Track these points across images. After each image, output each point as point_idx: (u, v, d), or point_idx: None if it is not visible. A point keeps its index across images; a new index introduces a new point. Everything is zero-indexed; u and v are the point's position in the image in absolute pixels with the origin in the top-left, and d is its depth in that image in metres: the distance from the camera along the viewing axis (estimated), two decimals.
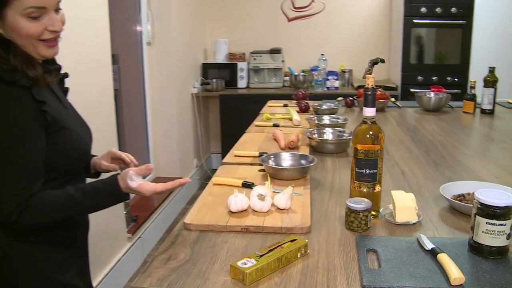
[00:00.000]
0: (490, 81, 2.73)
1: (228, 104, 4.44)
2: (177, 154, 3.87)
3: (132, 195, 1.22)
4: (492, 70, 2.75)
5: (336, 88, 4.56)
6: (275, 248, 1.01)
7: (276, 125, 2.40)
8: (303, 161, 1.61)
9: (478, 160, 1.81)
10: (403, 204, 1.21)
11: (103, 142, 2.29)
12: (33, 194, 1.07)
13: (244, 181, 1.46)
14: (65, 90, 1.30)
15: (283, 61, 4.65)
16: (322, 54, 4.64)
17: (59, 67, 1.27)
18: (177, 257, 1.04)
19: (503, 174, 1.63)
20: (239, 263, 0.94)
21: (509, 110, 2.88)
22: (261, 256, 0.98)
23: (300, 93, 3.15)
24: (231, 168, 1.66)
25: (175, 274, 0.97)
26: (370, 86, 1.20)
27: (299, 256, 1.03)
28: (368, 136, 1.21)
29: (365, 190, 1.23)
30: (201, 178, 4.55)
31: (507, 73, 3.53)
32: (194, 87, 4.30)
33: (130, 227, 2.84)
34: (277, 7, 4.76)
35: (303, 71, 4.71)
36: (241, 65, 4.57)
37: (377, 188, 1.24)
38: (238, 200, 1.23)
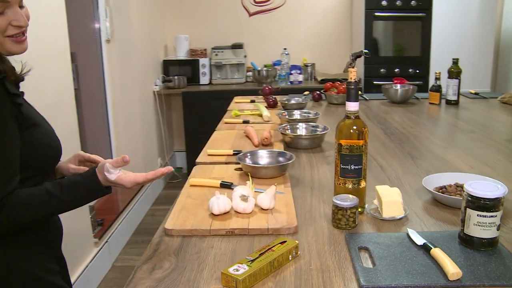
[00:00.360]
0: (454, 72, 2.78)
1: (191, 102, 4.35)
2: (141, 154, 3.75)
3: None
4: (456, 62, 2.80)
5: (300, 82, 4.55)
6: (265, 251, 0.97)
7: (246, 122, 2.35)
8: (281, 158, 1.57)
9: (451, 151, 1.82)
10: (390, 199, 1.19)
11: (65, 144, 2.15)
12: (10, 191, 0.99)
13: (223, 181, 1.40)
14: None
15: (245, 56, 4.59)
16: (285, 49, 4.62)
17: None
18: (162, 266, 0.97)
19: (477, 164, 1.65)
20: (231, 270, 0.89)
21: (472, 100, 2.95)
22: (252, 261, 0.93)
23: (267, 88, 3.10)
24: (206, 168, 1.60)
25: (163, 284, 0.90)
26: (353, 80, 1.17)
27: (290, 258, 0.99)
28: (352, 131, 1.18)
29: (350, 186, 1.20)
30: (165, 178, 4.44)
31: (467, 64, 3.61)
32: (156, 85, 4.19)
33: (97, 232, 2.73)
34: (237, 2, 4.70)
35: (265, 66, 4.67)
36: (203, 61, 4.49)
37: (362, 184, 1.21)
38: (220, 202, 1.17)
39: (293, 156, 1.52)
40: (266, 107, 2.68)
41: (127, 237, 3.25)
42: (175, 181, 4.53)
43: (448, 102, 2.83)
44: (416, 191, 1.39)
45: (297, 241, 1.01)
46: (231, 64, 4.56)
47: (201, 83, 4.50)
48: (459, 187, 1.33)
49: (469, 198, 1.02)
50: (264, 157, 1.59)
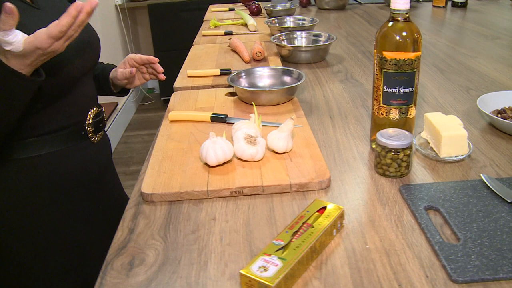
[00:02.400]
0: None
1: (159, 15, 3.83)
2: None
3: None
4: None
5: None
6: (299, 228, 0.64)
7: (229, 33, 1.93)
8: (286, 78, 1.20)
9: (484, 62, 1.49)
10: (452, 133, 0.86)
11: None
12: None
13: (214, 113, 1.04)
14: None
15: None
16: None
17: None
18: (144, 259, 0.63)
19: None
20: (255, 269, 0.56)
21: (480, 2, 2.58)
22: (284, 247, 0.60)
23: None
24: (188, 95, 1.23)
25: None
26: None
27: (334, 233, 0.67)
28: (401, 39, 0.82)
29: (396, 116, 0.87)
30: (137, 100, 4.03)
31: None
32: None
33: None
34: None
35: None
36: None
37: (412, 112, 0.88)
38: (218, 147, 0.82)
39: (303, 74, 1.15)
40: (249, 14, 2.26)
41: None
42: (147, 103, 4.12)
43: (455, 4, 2.46)
44: (466, 116, 1.07)
45: (342, 207, 0.69)
46: None
47: None
48: None
49: None
50: (264, 77, 1.22)
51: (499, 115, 1.01)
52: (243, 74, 1.21)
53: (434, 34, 1.89)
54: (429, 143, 0.93)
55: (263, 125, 0.98)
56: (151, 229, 0.70)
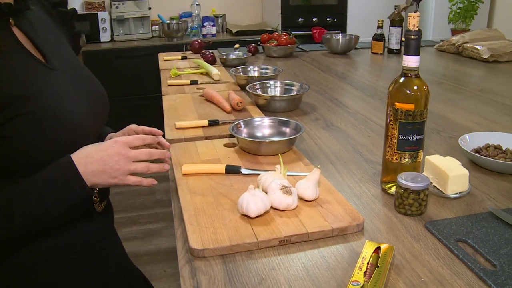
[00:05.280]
0: (397, 20, 2.65)
1: (93, 62, 3.77)
2: None
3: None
4: (398, 9, 2.66)
5: (214, 35, 4.19)
6: (367, 269, 0.70)
7: (194, 82, 1.99)
8: (284, 128, 1.27)
9: (440, 105, 1.67)
10: (457, 173, 0.97)
11: None
12: None
13: (228, 165, 1.08)
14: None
15: (149, 8, 4.08)
16: None
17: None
18: None
19: (477, 119, 1.51)
20: None
21: None
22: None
23: (196, 42, 2.73)
24: (186, 148, 1.25)
25: None
26: (415, 28, 0.90)
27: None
28: (413, 93, 0.93)
29: (407, 160, 0.97)
30: None
31: (381, 11, 3.53)
32: None
33: None
34: None
35: (171, 19, 4.22)
36: (102, 15, 3.90)
37: (421, 156, 0.98)
38: (257, 199, 0.86)
39: (301, 125, 1.23)
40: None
41: None
42: None
43: (390, 51, 2.72)
44: (447, 155, 1.20)
45: (393, 246, 0.76)
46: (134, 18, 4.03)
47: (102, 40, 3.93)
48: (497, 148, 1.17)
49: None
50: (263, 127, 1.28)
51: (477, 153, 1.16)
52: (242, 124, 1.26)
53: (384, 80, 2.08)
54: (431, 182, 1.03)
55: (288, 175, 1.03)
56: (216, 285, 0.72)
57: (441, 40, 2.87)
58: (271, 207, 0.90)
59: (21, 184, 0.79)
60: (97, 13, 3.86)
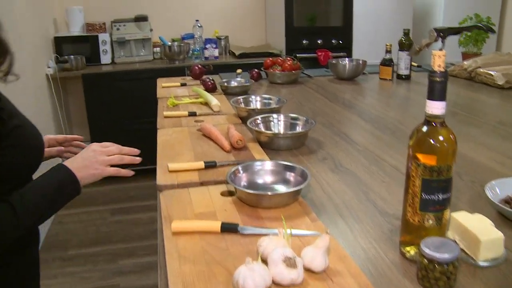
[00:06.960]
0: (406, 44, 2.53)
1: (93, 85, 3.68)
2: None
3: None
4: (407, 33, 2.55)
5: (216, 57, 4.09)
6: None
7: (192, 114, 1.86)
8: (288, 174, 1.13)
9: (459, 143, 1.52)
10: (491, 238, 0.83)
11: None
12: None
13: (224, 223, 0.94)
14: None
15: (151, 30, 4.00)
16: (197, 20, 4.10)
17: None
18: None
19: (503, 159, 1.37)
20: None
21: (420, 74, 2.74)
22: None
23: (197, 67, 2.62)
24: (179, 197, 1.12)
25: None
26: (441, 69, 0.78)
27: None
28: (439, 145, 0.80)
29: (431, 223, 0.83)
30: None
31: (388, 34, 3.42)
32: (49, 67, 3.45)
33: None
34: None
35: (174, 40, 4.13)
36: (103, 37, 3.82)
37: (446, 216, 0.85)
38: (256, 274, 0.72)
39: (308, 173, 1.09)
40: (204, 91, 2.21)
41: None
42: None
43: (399, 77, 2.59)
44: (471, 205, 1.06)
45: None
46: (135, 40, 3.95)
47: (102, 62, 3.84)
48: None
49: None
50: (264, 173, 1.14)
51: (507, 204, 1.02)
52: (241, 170, 1.13)
53: (394, 110, 1.96)
54: (457, 244, 0.89)
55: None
56: None
57: (452, 64, 2.74)
58: (273, 282, 0.76)
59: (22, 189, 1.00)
60: (97, 35, 3.78)
